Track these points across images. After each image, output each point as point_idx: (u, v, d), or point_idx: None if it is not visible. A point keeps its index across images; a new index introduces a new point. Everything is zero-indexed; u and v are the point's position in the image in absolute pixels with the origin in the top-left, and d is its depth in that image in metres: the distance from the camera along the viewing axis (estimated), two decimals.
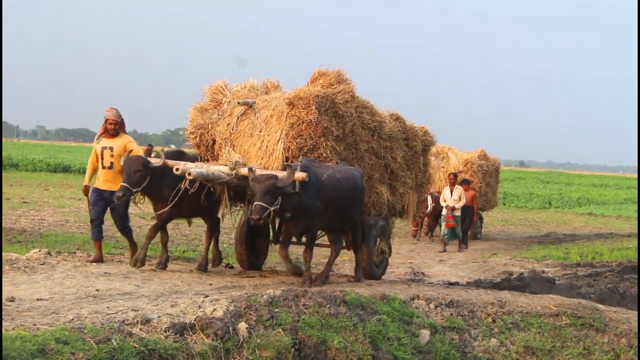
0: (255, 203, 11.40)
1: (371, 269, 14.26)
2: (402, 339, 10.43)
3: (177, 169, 12.35)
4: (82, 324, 7.92)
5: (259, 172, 12.05)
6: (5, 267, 12.34)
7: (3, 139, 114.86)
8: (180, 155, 13.48)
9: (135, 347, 7.73)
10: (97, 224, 13.55)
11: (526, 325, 11.84)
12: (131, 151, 13.16)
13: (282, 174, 11.78)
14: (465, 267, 19.74)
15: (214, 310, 8.94)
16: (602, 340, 11.87)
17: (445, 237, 23.72)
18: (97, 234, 13.63)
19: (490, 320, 11.83)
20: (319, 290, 10.79)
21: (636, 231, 29.07)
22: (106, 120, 13.42)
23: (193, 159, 13.45)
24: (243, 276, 13.60)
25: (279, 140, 12.82)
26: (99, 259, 13.49)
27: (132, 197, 12.87)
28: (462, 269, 19.34)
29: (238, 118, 13.35)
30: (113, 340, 7.65)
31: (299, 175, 11.67)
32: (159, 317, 8.51)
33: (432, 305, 11.63)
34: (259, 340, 8.82)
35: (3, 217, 20.86)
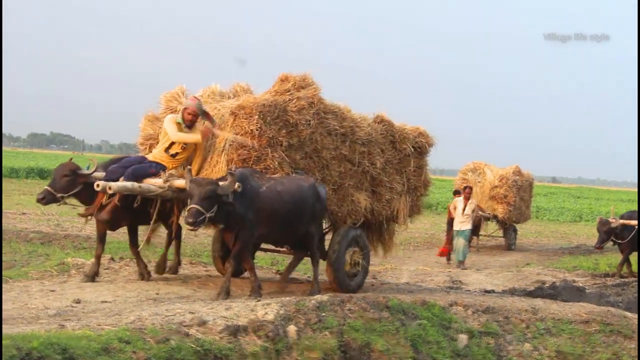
0: (191, 206, 10.21)
1: (342, 280, 12.62)
2: (441, 343, 10.41)
3: (97, 185, 10.92)
4: (142, 325, 7.98)
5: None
6: (72, 271, 12.46)
7: (70, 152, 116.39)
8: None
9: (192, 347, 7.79)
10: None
11: (558, 331, 11.77)
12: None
13: (222, 183, 10.53)
14: (500, 276, 19.59)
15: (266, 313, 8.97)
16: (630, 346, 11.78)
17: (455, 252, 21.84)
18: None
19: (524, 326, 11.77)
20: (364, 295, 10.77)
21: None
22: (185, 109, 11.64)
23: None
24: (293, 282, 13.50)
25: (222, 152, 11.49)
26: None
27: (59, 203, 11.70)
28: (497, 278, 19.19)
29: None
30: (171, 341, 7.71)
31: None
32: (214, 319, 8.55)
33: (469, 312, 11.59)
34: (307, 342, 8.85)
35: (70, 226, 21.11)
